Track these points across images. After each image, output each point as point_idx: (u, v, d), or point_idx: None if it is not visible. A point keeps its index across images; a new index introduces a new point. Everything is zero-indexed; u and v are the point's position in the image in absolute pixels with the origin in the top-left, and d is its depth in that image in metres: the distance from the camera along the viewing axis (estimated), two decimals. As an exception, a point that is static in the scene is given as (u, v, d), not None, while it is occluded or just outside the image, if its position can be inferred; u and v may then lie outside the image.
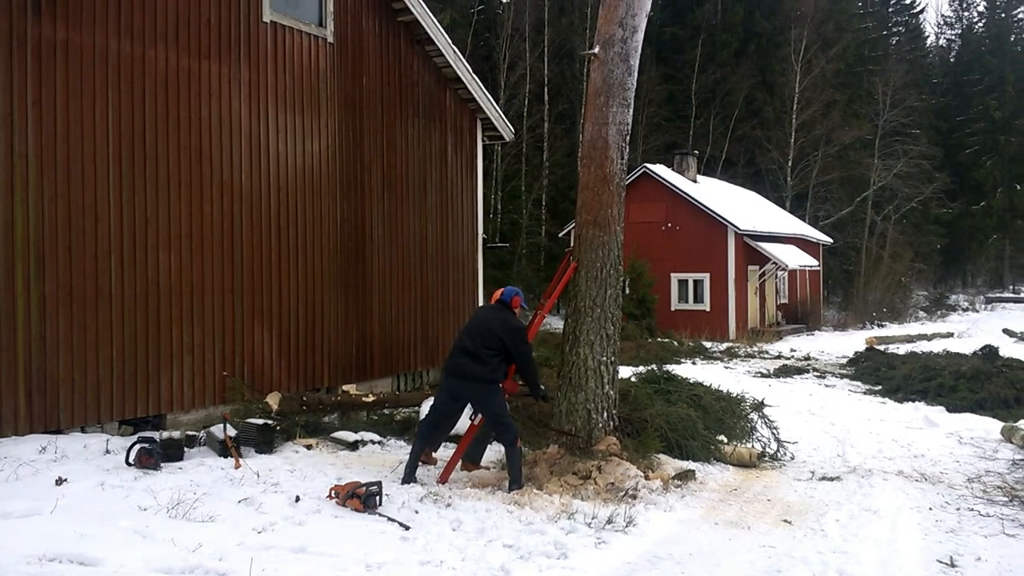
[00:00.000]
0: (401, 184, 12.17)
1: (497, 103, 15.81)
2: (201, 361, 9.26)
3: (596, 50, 7.95)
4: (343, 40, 11.20)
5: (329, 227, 10.95)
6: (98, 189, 8.31)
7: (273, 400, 8.72)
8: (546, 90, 37.52)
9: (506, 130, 14.22)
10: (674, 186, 28.65)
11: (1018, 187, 54.17)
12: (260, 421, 8.18)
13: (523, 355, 7.07)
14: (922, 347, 22.04)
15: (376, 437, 8.87)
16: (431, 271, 12.73)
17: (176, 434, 7.66)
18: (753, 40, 44.88)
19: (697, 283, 28.40)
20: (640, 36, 8.06)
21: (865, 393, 14.90)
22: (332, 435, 8.77)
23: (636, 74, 8.09)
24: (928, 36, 64.02)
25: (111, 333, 8.41)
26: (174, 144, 9.03)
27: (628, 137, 8.07)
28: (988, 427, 10.96)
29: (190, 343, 9.14)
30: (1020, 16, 60.93)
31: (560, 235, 31.87)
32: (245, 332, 9.78)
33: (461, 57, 13.00)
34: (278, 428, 8.36)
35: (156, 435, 7.54)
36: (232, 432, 7.73)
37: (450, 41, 12.76)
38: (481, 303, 13.59)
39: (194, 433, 8.07)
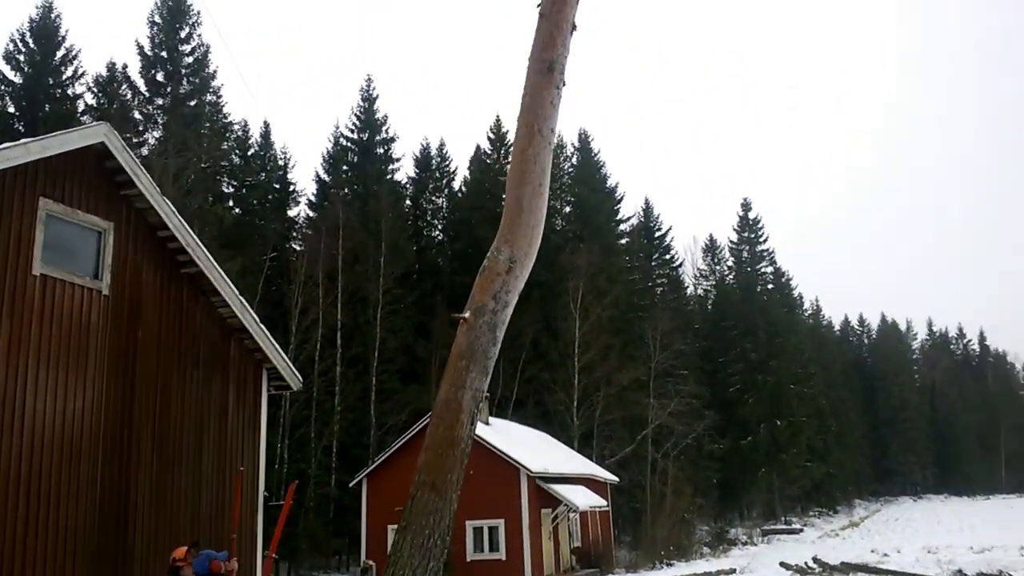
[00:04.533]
0: (175, 443, 11.36)
1: (288, 348, 15.56)
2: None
3: (467, 315, 7.97)
4: (120, 292, 10.77)
5: (87, 493, 9.91)
6: None
7: None
8: (339, 335, 37.49)
9: (294, 379, 13.86)
10: (466, 429, 28.65)
11: (778, 423, 59.23)
12: None
13: None
14: (709, 586, 22.49)
15: None
16: (204, 536, 11.66)
17: None
18: (536, 288, 47.96)
19: (492, 530, 27.70)
20: (509, 312, 8.18)
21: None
22: None
23: (499, 346, 8.13)
24: (688, 287, 70.78)
25: None
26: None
27: (480, 405, 8.02)
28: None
29: None
30: (763, 270, 69.76)
31: (351, 484, 30.38)
32: (-29, 624, 8.36)
33: (248, 307, 12.79)
34: None
35: None
36: None
37: (237, 292, 12.59)
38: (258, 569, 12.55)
39: None
